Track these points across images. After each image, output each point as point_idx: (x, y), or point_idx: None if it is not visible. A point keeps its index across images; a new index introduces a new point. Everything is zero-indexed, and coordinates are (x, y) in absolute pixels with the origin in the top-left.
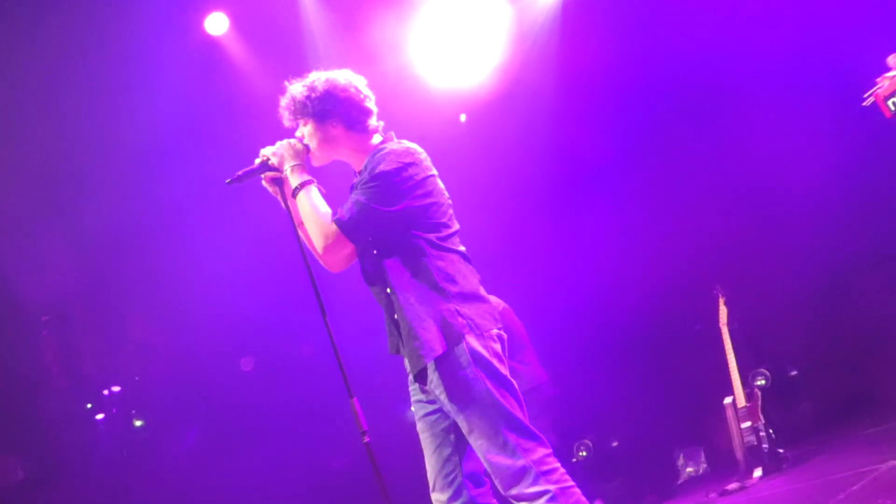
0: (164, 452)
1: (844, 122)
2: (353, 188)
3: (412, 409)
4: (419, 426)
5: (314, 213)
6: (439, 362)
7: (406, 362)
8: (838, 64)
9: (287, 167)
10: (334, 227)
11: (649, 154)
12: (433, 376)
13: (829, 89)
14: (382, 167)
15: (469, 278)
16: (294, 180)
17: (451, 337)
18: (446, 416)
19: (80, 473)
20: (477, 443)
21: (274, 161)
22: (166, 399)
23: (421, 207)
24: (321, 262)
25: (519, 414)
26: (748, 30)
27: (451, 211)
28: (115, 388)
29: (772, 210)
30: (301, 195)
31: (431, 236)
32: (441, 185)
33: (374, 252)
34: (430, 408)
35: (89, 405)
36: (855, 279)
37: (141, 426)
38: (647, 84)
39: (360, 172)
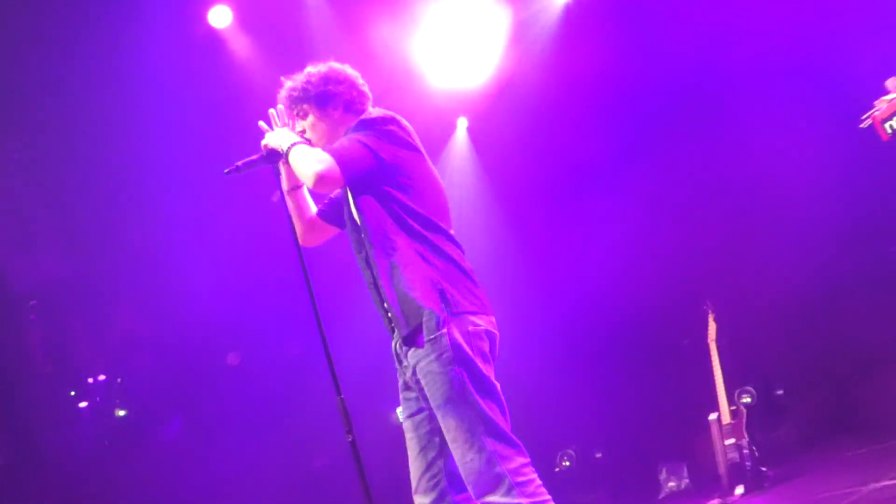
0: (146, 443)
1: (840, 145)
2: None
3: (399, 408)
4: (405, 425)
5: (309, 149)
6: (423, 354)
7: (395, 338)
8: (835, 86)
9: (286, 145)
10: (328, 156)
11: (642, 169)
12: (416, 366)
13: (825, 111)
14: (369, 116)
15: (461, 257)
16: (288, 143)
17: (435, 311)
18: (431, 417)
19: (59, 460)
20: (454, 445)
21: (273, 144)
22: (150, 390)
23: (408, 163)
24: (309, 183)
25: (499, 419)
26: (747, 51)
27: (443, 198)
28: (101, 377)
29: (764, 229)
30: (296, 148)
31: (420, 208)
32: (433, 169)
33: (363, 219)
34: (414, 407)
35: (73, 392)
36: (845, 301)
37: (123, 416)
38: (643, 100)
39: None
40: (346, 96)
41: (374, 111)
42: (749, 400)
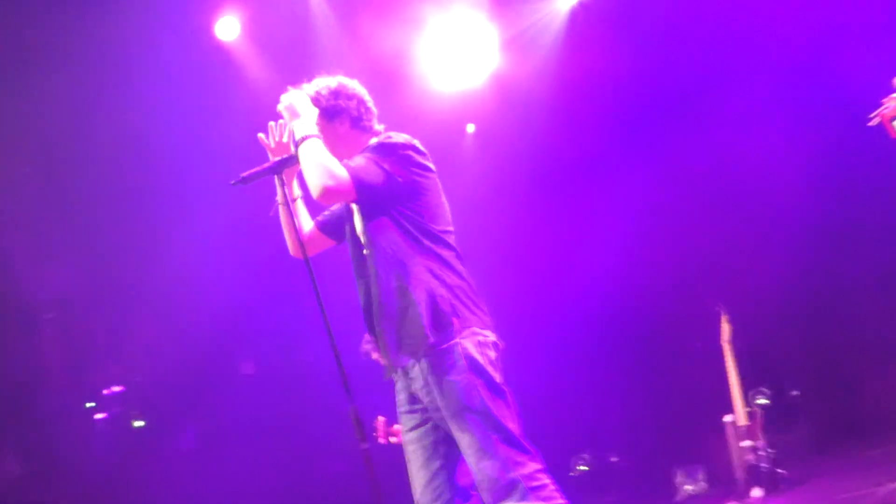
0: (163, 452)
1: (850, 145)
2: None
3: (399, 419)
4: (408, 438)
5: (326, 157)
6: (434, 364)
7: (386, 361)
8: (844, 86)
9: (302, 132)
10: (344, 172)
11: (653, 172)
12: (428, 376)
13: (835, 112)
14: (389, 140)
15: (466, 277)
16: (301, 131)
17: (445, 328)
18: (436, 428)
19: (76, 471)
20: (468, 452)
21: (292, 111)
22: (166, 399)
23: (423, 187)
24: (314, 193)
25: (512, 425)
26: (756, 54)
27: (449, 216)
28: (116, 388)
29: (777, 231)
30: (313, 143)
31: (431, 226)
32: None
33: (372, 239)
34: (419, 418)
35: (89, 404)
36: (859, 301)
37: (140, 427)
38: (653, 104)
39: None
40: (353, 112)
41: (393, 135)
42: (764, 401)
